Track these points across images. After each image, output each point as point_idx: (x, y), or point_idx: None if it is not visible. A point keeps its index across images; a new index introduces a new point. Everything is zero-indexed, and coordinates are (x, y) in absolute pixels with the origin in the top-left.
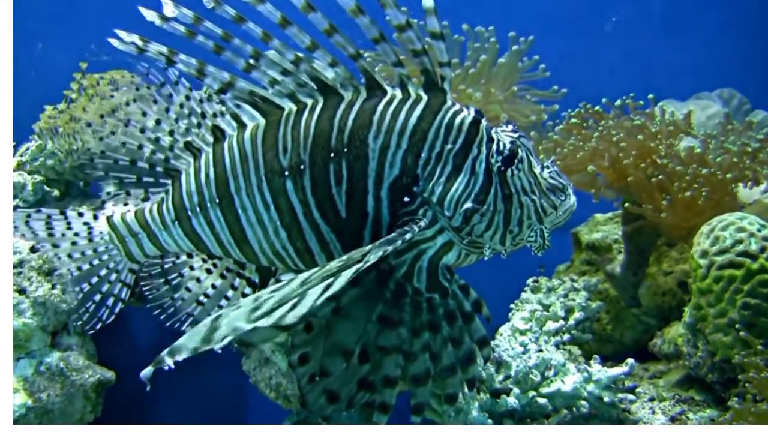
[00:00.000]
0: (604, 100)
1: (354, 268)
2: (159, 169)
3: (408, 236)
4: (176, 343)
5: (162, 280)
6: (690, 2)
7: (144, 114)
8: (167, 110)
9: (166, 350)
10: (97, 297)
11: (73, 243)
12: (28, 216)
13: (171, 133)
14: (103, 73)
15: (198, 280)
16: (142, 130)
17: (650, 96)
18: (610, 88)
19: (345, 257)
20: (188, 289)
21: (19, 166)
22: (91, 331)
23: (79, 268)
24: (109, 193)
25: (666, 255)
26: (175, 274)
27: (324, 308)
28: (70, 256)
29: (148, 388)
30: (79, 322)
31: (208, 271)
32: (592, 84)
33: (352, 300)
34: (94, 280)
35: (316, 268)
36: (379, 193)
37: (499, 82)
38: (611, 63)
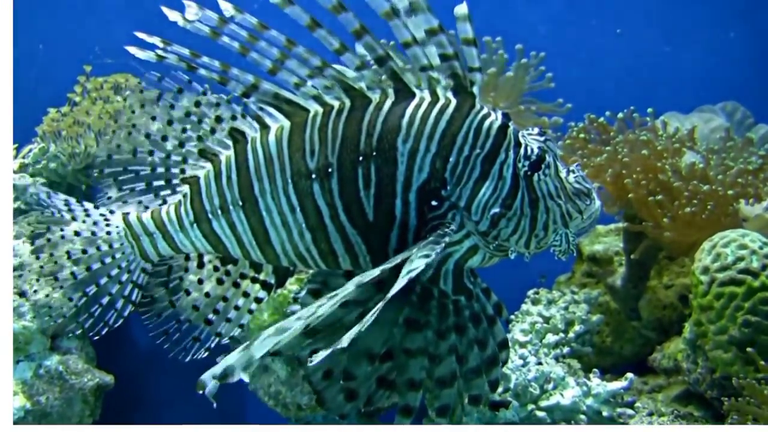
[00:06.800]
0: (608, 113)
1: (403, 281)
2: (170, 170)
3: (440, 247)
4: (236, 359)
5: (165, 300)
6: (694, 14)
7: (164, 125)
8: (188, 114)
9: (230, 364)
10: (105, 300)
11: (92, 233)
12: (49, 192)
13: (184, 131)
14: (107, 76)
15: (207, 294)
16: (148, 136)
17: (649, 110)
18: (614, 100)
19: (380, 269)
20: (195, 308)
21: (22, 169)
22: (96, 337)
23: (88, 268)
24: (110, 198)
25: (667, 268)
26: (180, 293)
27: (350, 314)
28: (84, 251)
29: (214, 406)
30: (87, 324)
31: (219, 282)
32: (596, 96)
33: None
34: (104, 280)
35: (353, 283)
36: (408, 196)
37: (505, 94)
38: (615, 75)
